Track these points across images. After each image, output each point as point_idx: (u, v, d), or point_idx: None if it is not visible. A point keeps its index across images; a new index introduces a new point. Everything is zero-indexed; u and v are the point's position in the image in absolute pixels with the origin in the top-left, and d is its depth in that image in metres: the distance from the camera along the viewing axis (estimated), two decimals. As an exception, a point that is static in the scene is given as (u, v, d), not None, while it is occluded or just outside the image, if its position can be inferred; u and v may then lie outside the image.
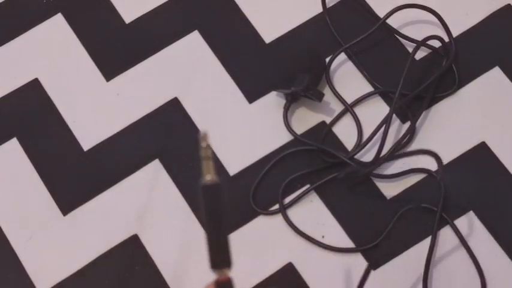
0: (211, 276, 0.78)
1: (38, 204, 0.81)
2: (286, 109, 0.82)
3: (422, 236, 0.78)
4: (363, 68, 0.84)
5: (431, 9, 0.84)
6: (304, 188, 0.80)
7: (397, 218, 0.78)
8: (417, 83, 0.83)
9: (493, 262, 0.76)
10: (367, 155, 0.81)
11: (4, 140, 0.84)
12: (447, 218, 0.77)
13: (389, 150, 0.80)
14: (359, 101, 0.83)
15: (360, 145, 0.81)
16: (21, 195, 0.82)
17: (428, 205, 0.78)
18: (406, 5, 0.84)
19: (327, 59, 0.84)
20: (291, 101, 0.82)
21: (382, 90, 0.83)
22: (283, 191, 0.80)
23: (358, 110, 0.83)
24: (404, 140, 0.81)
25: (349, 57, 0.85)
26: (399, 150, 0.80)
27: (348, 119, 0.83)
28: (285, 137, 0.82)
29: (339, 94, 0.83)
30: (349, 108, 0.82)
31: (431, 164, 0.80)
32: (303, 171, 0.80)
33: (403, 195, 0.79)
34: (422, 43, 0.82)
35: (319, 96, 0.81)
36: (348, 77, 0.84)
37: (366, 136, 0.81)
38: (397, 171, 0.80)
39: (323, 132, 0.82)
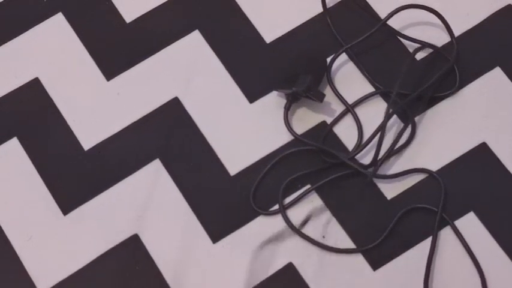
0: (210, 277, 0.78)
1: (38, 204, 0.81)
2: (287, 109, 0.82)
3: (423, 236, 0.78)
4: (364, 68, 0.84)
5: (433, 9, 0.84)
6: (304, 188, 0.80)
7: (398, 218, 0.78)
8: (419, 83, 0.83)
9: (494, 262, 0.76)
10: (368, 156, 0.81)
11: (4, 140, 0.84)
12: (447, 218, 0.77)
13: (386, 151, 0.80)
14: (360, 101, 0.83)
15: (360, 146, 0.81)
16: (21, 195, 0.82)
17: (428, 205, 0.78)
18: (407, 5, 0.84)
19: (328, 59, 0.84)
20: (292, 101, 0.82)
21: (383, 91, 0.83)
22: (284, 191, 0.80)
23: (359, 110, 0.83)
24: (404, 140, 0.81)
25: (350, 57, 0.85)
26: (400, 151, 0.80)
27: (348, 119, 0.83)
28: (286, 137, 0.82)
29: (340, 94, 0.83)
30: (350, 109, 0.82)
31: (432, 165, 0.80)
32: (303, 171, 0.80)
33: (403, 195, 0.79)
34: (424, 45, 0.82)
35: (320, 97, 0.81)
36: (349, 78, 0.84)
37: (366, 136, 0.81)
38: (397, 172, 0.80)
39: (324, 132, 0.82)
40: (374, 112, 0.82)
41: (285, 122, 0.82)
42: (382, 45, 0.85)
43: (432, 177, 0.79)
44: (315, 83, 0.82)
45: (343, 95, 0.83)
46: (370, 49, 0.85)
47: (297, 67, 0.82)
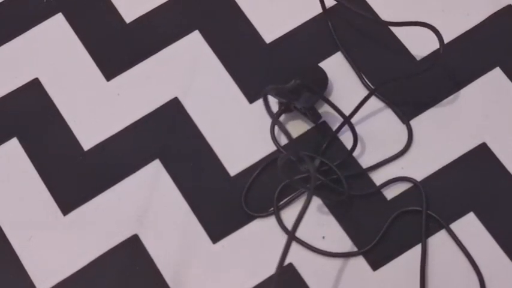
0: (210, 277, 0.78)
1: (38, 204, 0.81)
2: (277, 117, 0.79)
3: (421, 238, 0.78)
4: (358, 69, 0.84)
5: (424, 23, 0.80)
6: (303, 189, 0.80)
7: (394, 219, 0.78)
8: (418, 83, 0.83)
9: (493, 263, 0.76)
10: (369, 155, 0.81)
11: (4, 140, 0.84)
12: (440, 220, 0.77)
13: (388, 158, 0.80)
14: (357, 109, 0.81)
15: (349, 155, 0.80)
16: (21, 195, 0.82)
17: (417, 207, 0.78)
18: (401, 22, 0.82)
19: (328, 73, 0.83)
20: (284, 111, 0.81)
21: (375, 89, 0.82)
22: (279, 194, 0.80)
23: (357, 117, 0.82)
24: (404, 143, 0.81)
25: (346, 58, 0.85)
26: (397, 158, 0.80)
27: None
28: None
29: (337, 107, 0.80)
30: (347, 121, 0.79)
31: (431, 166, 0.80)
32: (302, 173, 0.80)
33: (403, 196, 0.79)
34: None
35: (316, 119, 0.80)
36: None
37: (366, 140, 0.81)
38: (386, 179, 0.80)
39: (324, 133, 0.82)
40: (373, 114, 0.82)
41: (271, 133, 0.81)
42: (384, 49, 0.86)
43: (432, 178, 0.79)
44: (314, 102, 0.80)
45: (338, 100, 0.83)
46: (371, 56, 0.85)
47: (294, 75, 0.81)
